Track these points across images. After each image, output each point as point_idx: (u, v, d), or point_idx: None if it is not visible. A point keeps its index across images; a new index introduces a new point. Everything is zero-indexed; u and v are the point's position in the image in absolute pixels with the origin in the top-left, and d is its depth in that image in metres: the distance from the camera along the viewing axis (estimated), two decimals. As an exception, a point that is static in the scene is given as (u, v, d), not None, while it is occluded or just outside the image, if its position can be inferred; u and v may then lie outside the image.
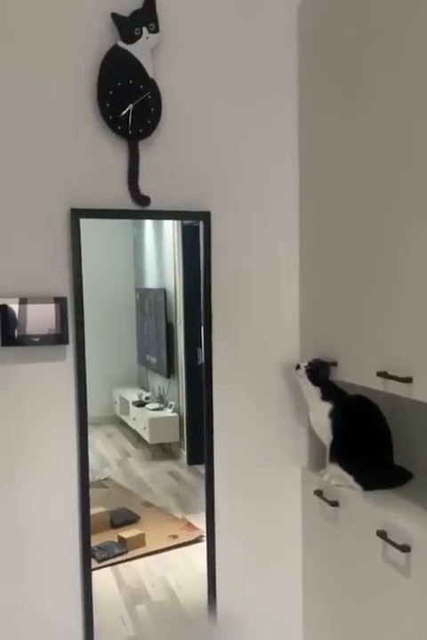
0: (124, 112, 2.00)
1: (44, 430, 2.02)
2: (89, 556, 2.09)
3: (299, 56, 2.21)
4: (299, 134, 2.24)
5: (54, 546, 2.05)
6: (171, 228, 2.46)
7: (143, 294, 2.61)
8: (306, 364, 2.11)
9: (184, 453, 2.57)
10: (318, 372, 2.09)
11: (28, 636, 2.04)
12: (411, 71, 1.64)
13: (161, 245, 2.54)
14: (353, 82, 1.91)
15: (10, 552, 2.02)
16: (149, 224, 2.52)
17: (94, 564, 2.21)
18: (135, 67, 2.00)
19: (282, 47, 2.20)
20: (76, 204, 1.99)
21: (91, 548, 2.10)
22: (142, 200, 2.06)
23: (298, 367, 2.13)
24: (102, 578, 2.30)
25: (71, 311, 2.01)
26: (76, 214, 1.99)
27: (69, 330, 2.01)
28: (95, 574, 2.16)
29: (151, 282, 2.61)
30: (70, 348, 2.02)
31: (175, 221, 2.33)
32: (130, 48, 1.99)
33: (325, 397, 2.08)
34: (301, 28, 2.20)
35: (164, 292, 2.55)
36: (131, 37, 1.99)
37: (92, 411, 2.18)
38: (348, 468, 2.04)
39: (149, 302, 2.60)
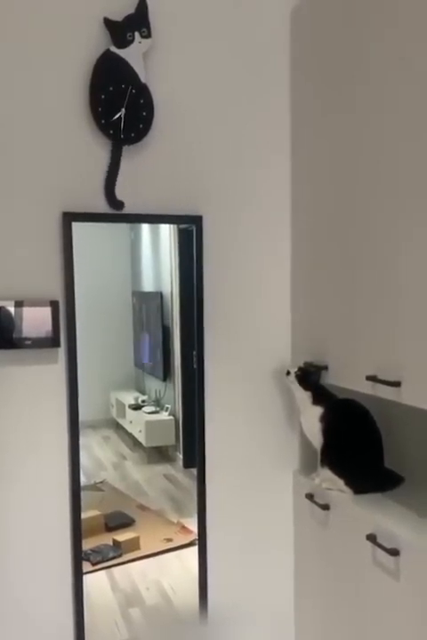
0: (117, 116, 2.01)
1: (36, 433, 2.03)
2: (80, 560, 2.09)
3: (291, 61, 2.22)
4: (291, 139, 2.24)
5: (45, 549, 2.05)
6: (167, 231, 2.46)
7: (140, 298, 2.62)
8: (296, 369, 2.12)
9: (180, 457, 2.57)
10: (308, 377, 2.09)
11: (18, 639, 2.04)
12: (409, 73, 1.64)
13: (157, 249, 2.55)
14: (347, 85, 1.92)
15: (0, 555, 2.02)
16: (145, 228, 2.53)
17: (89, 567, 2.21)
18: (127, 71, 2.01)
19: (274, 53, 2.20)
20: (68, 208, 2.01)
21: (84, 551, 2.11)
22: (117, 204, 2.06)
23: (288, 373, 2.13)
24: (96, 581, 2.30)
25: (63, 314, 2.02)
26: (68, 218, 2.00)
27: (61, 333, 2.02)
28: (89, 577, 2.16)
29: (148, 285, 2.61)
30: (62, 351, 2.03)
31: (172, 225, 2.33)
32: (122, 53, 2.00)
33: (315, 402, 2.09)
34: (294, 32, 2.20)
35: (160, 295, 2.55)
36: (123, 42, 1.99)
37: (89, 414, 2.20)
38: (338, 471, 2.04)
39: (146, 306, 2.61)
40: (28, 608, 2.05)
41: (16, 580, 2.04)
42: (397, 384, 1.69)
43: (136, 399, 2.68)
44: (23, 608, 2.04)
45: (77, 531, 2.07)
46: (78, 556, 2.08)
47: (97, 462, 2.60)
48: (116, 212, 2.06)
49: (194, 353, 2.22)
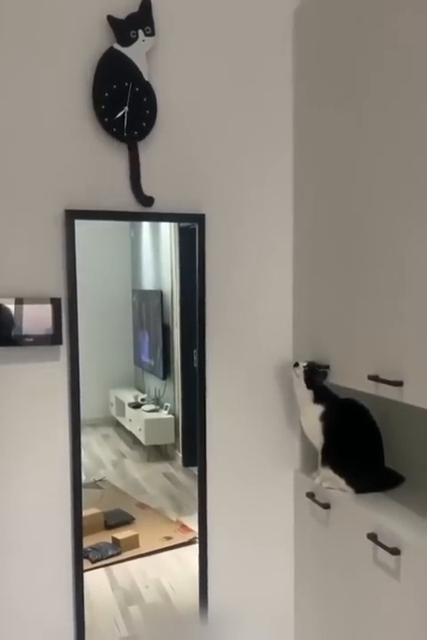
0: (120, 114, 2.01)
1: (37, 430, 2.03)
2: (81, 557, 2.09)
3: (294, 60, 2.22)
4: (294, 137, 2.24)
5: (46, 547, 2.05)
6: (168, 230, 2.46)
7: (140, 296, 2.61)
8: (305, 364, 2.11)
9: (179, 455, 2.57)
10: (314, 376, 2.09)
11: (18, 637, 2.04)
12: (413, 74, 1.64)
13: (158, 247, 2.54)
14: (349, 85, 1.92)
15: (0, 553, 2.02)
16: (146, 226, 2.52)
17: (88, 564, 2.21)
18: (131, 69, 2.01)
19: (278, 52, 2.21)
20: (70, 206, 2.00)
21: (84, 548, 2.11)
22: (146, 200, 2.07)
23: (296, 365, 2.13)
24: (96, 579, 2.30)
25: (65, 312, 2.02)
26: (71, 215, 2.00)
27: (63, 330, 2.01)
28: (89, 575, 2.16)
29: (148, 284, 2.61)
30: (64, 349, 2.03)
31: (172, 223, 2.33)
32: (126, 51, 2.00)
33: (316, 400, 2.09)
34: (297, 31, 2.21)
35: (160, 293, 2.55)
36: (127, 40, 2.00)
37: (88, 412, 2.19)
38: (339, 470, 2.04)
39: (146, 304, 2.61)
40: (29, 606, 2.04)
41: (17, 577, 2.03)
42: (399, 384, 1.69)
43: (136, 397, 2.68)
44: (24, 606, 2.04)
45: (78, 528, 2.07)
46: (79, 554, 2.08)
47: (96, 460, 2.59)
48: (117, 210, 2.05)
49: (194, 351, 2.22)
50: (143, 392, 2.68)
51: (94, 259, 2.40)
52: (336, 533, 2.04)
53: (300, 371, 2.11)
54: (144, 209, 2.08)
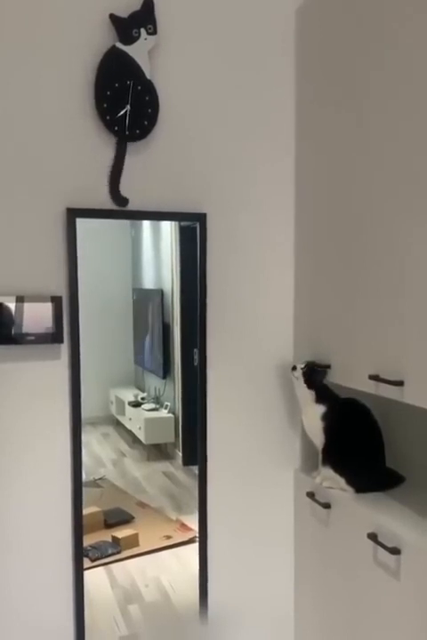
0: (122, 113, 2.01)
1: (38, 430, 2.02)
2: (81, 556, 2.09)
3: (296, 59, 2.22)
4: (295, 136, 2.25)
5: (46, 545, 2.05)
6: (168, 229, 2.46)
7: (140, 295, 2.61)
8: (302, 365, 2.12)
9: (179, 454, 2.57)
10: (314, 376, 2.09)
11: (18, 636, 2.04)
12: (415, 73, 1.64)
13: (159, 246, 2.54)
14: (350, 85, 1.92)
15: (0, 553, 2.02)
16: (147, 225, 2.52)
17: (87, 563, 2.21)
18: (133, 68, 2.01)
19: (280, 50, 2.21)
20: (72, 204, 2.00)
21: (84, 547, 2.11)
22: (121, 201, 2.06)
23: (294, 368, 2.13)
24: (95, 577, 2.30)
25: (66, 310, 2.02)
26: (72, 214, 2.00)
27: (64, 329, 2.01)
28: (88, 574, 2.16)
29: (148, 282, 2.60)
30: (65, 347, 2.03)
31: (173, 222, 2.33)
32: (128, 49, 2.00)
33: (318, 400, 2.09)
34: (299, 30, 2.21)
35: (161, 292, 2.54)
36: (129, 39, 2.00)
37: (89, 410, 2.19)
38: (340, 470, 2.04)
39: (146, 303, 2.60)
40: (29, 605, 2.04)
41: (17, 577, 2.03)
42: (399, 383, 1.69)
43: (136, 396, 2.68)
44: (24, 605, 2.04)
45: (78, 527, 2.07)
46: (79, 553, 2.08)
47: (96, 459, 2.59)
48: (120, 209, 2.06)
49: (195, 351, 2.22)
50: (143, 391, 2.68)
51: (95, 257, 2.40)
52: (336, 533, 2.04)
53: (298, 373, 2.11)
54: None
